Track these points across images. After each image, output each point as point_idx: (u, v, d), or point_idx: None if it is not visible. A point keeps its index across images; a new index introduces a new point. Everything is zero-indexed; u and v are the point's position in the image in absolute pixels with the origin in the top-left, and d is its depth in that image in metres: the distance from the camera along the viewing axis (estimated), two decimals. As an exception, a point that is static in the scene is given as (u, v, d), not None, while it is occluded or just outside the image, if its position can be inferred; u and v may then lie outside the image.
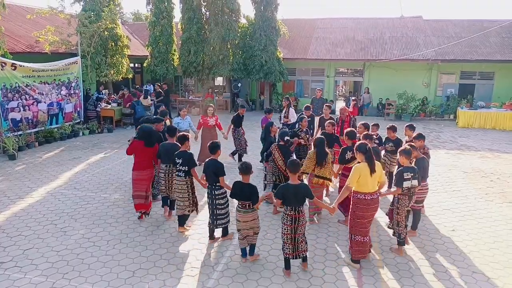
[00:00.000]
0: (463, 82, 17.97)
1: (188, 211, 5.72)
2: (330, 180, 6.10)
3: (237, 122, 9.20)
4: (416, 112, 17.14)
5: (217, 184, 5.19)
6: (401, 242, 5.21)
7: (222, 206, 5.32)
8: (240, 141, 9.25)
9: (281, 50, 18.06)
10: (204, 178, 5.35)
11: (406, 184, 4.95)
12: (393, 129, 7.06)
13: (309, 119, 8.43)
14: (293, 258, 4.65)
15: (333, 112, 14.72)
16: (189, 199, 5.67)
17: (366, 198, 4.67)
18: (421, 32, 19.64)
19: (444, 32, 19.30)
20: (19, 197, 7.17)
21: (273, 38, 16.84)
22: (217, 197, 5.27)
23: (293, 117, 9.66)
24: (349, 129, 6.31)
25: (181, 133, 5.79)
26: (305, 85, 20.13)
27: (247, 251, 5.01)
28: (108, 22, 13.63)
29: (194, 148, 10.38)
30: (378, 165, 4.76)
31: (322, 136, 6.18)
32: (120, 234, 5.75)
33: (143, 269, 4.84)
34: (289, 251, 4.60)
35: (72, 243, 5.45)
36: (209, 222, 5.47)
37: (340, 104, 21.91)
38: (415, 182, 4.98)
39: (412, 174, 4.96)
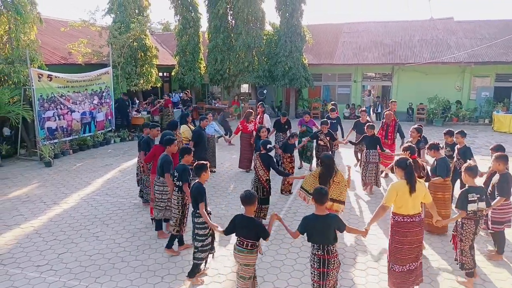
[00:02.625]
0: (498, 85, 17.20)
1: (174, 230, 5.18)
2: (342, 202, 5.31)
3: (279, 128, 9.34)
4: (449, 116, 16.55)
5: (198, 211, 4.43)
6: (469, 274, 4.51)
7: (201, 238, 4.47)
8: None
9: (306, 56, 18.02)
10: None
11: (471, 207, 4.34)
12: (449, 134, 6.80)
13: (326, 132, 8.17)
14: None
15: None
16: (176, 218, 5.15)
17: (405, 220, 4.08)
18: (453, 34, 19.01)
19: (477, 33, 18.59)
20: (54, 202, 7.47)
21: (298, 44, 16.84)
22: (196, 225, 4.49)
23: (267, 122, 9.83)
24: (407, 144, 5.77)
25: (184, 146, 5.57)
26: (332, 91, 19.93)
27: None
28: (137, 33, 14.08)
29: (232, 153, 10.52)
30: (421, 184, 4.16)
31: (330, 154, 5.77)
32: (150, 240, 5.85)
33: (171, 275, 4.89)
34: None
35: (104, 248, 5.61)
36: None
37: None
38: (482, 204, 4.37)
39: (478, 196, 4.36)
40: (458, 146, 6.53)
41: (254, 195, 3.87)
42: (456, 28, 19.53)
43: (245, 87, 21.44)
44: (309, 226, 3.65)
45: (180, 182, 5.02)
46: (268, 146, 6.20)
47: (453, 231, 4.79)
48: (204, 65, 18.53)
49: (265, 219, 6.01)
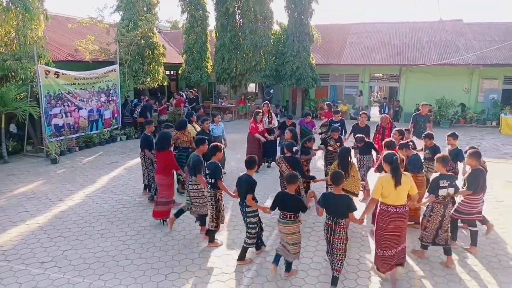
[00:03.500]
0: (507, 88, 17.00)
1: (211, 226, 5.46)
2: (355, 194, 5.73)
3: (284, 129, 8.85)
4: (456, 118, 16.40)
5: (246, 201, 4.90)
6: (423, 246, 5.18)
7: (253, 225, 5.00)
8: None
9: (314, 56, 17.93)
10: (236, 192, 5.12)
11: (442, 192, 4.81)
12: (429, 137, 6.77)
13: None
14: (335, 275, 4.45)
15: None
16: (211, 213, 5.42)
17: (389, 210, 4.43)
18: (461, 35, 18.81)
19: (486, 35, 18.36)
20: (60, 199, 7.48)
21: (306, 44, 16.75)
22: (248, 214, 4.98)
23: (276, 121, 9.74)
24: (388, 139, 6.12)
25: (213, 143, 5.60)
26: (339, 91, 19.83)
27: (279, 261, 4.77)
28: (145, 31, 14.08)
29: (237, 153, 10.47)
30: (407, 177, 4.47)
31: (348, 147, 6.03)
32: (154, 238, 5.84)
33: (175, 273, 4.87)
34: (329, 261, 4.55)
35: (108, 245, 5.60)
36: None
37: (373, 111, 21.47)
38: (451, 190, 4.83)
39: (448, 182, 4.82)
40: (449, 147, 6.60)
41: (296, 175, 4.80)
42: (465, 30, 19.32)
43: (252, 87, 21.40)
44: (327, 201, 4.42)
45: (213, 180, 5.25)
46: (294, 149, 6.12)
47: (423, 215, 5.25)
48: (211, 63, 18.51)
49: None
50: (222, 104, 19.20)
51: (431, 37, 19.11)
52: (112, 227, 6.24)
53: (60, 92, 11.11)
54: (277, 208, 4.67)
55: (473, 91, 17.33)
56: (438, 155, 5.06)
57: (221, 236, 5.92)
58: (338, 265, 4.41)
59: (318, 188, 7.41)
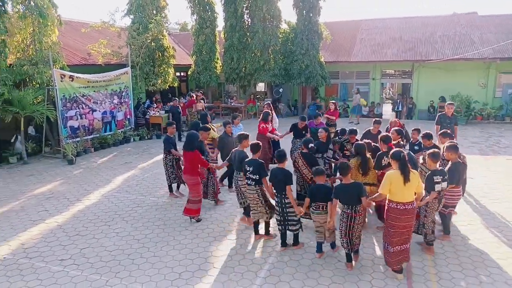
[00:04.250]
0: (526, 81, 16.56)
1: (266, 217, 5.69)
2: (374, 185, 5.86)
3: (296, 133, 8.73)
4: (472, 115, 16.05)
5: (285, 193, 5.20)
6: (430, 243, 5.24)
7: (293, 214, 5.28)
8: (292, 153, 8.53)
9: (323, 53, 17.86)
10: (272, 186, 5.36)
11: (437, 187, 4.92)
12: (427, 136, 6.54)
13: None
14: (349, 252, 4.87)
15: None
16: (263, 205, 5.61)
17: (398, 207, 4.53)
18: (476, 29, 18.42)
19: (503, 28, 17.85)
20: (77, 199, 7.70)
21: (315, 42, 16.71)
22: (287, 205, 5.24)
23: (275, 122, 9.54)
24: (384, 133, 6.19)
25: (254, 142, 5.81)
26: (349, 89, 19.71)
27: (321, 248, 5.26)
28: (155, 33, 14.28)
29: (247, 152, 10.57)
30: (415, 174, 4.59)
31: (362, 142, 6.08)
32: (167, 237, 5.97)
33: (188, 272, 4.98)
34: (345, 244, 4.84)
35: (124, 244, 5.75)
36: (279, 229, 5.44)
37: (386, 108, 21.27)
38: (444, 184, 4.98)
39: (441, 177, 4.95)
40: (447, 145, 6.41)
41: (323, 169, 5.22)
42: (480, 22, 18.90)
43: (261, 86, 21.44)
44: (340, 193, 4.76)
45: (257, 176, 5.46)
46: (310, 145, 6.16)
47: (417, 209, 5.19)
48: (220, 64, 18.64)
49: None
50: (232, 104, 19.31)
51: (445, 31, 18.80)
52: (127, 226, 6.40)
53: (75, 95, 11.39)
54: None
55: (490, 86, 16.92)
56: (429, 151, 5.19)
57: (233, 235, 6.02)
58: (358, 241, 4.87)
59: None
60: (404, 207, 4.51)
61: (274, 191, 5.33)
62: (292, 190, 5.30)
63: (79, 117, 11.59)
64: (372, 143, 6.41)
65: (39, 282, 4.77)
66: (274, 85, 18.39)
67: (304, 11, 16.60)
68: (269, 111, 9.26)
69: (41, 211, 7.06)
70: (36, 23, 10.37)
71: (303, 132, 8.66)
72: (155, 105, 15.54)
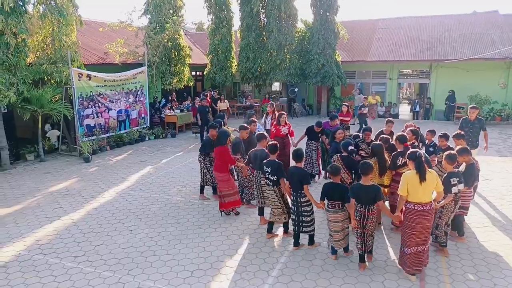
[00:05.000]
0: (548, 82, 16.05)
1: (285, 218, 5.69)
2: (388, 187, 5.86)
3: (311, 135, 8.46)
4: (491, 116, 15.64)
5: (303, 191, 5.21)
6: (443, 244, 5.18)
7: (308, 213, 5.28)
8: (311, 156, 8.39)
9: (340, 53, 17.67)
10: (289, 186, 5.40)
11: (453, 189, 4.88)
12: (444, 136, 6.28)
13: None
14: (362, 253, 4.85)
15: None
16: (281, 206, 5.63)
17: (416, 208, 4.46)
18: (497, 28, 17.92)
19: (525, 26, 17.41)
20: (92, 197, 7.79)
21: (331, 41, 16.54)
22: (303, 204, 5.26)
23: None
24: (400, 133, 6.05)
25: (272, 142, 5.86)
26: (366, 88, 19.43)
27: (336, 251, 5.18)
28: (171, 33, 14.37)
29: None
30: (431, 173, 4.55)
31: (380, 143, 5.93)
32: (180, 235, 5.96)
33: (201, 270, 4.96)
34: (359, 245, 4.82)
35: (137, 241, 5.77)
36: (293, 229, 5.45)
37: (402, 108, 20.90)
38: (461, 186, 4.95)
39: (458, 179, 4.92)
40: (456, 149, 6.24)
41: (338, 167, 5.11)
42: (501, 21, 18.40)
43: (276, 85, 21.38)
44: (357, 193, 4.70)
45: (275, 177, 5.48)
46: (350, 148, 6.02)
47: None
48: (236, 63, 18.65)
49: None
50: (247, 104, 19.28)
51: (464, 31, 18.37)
52: (140, 223, 6.43)
53: (92, 93, 11.55)
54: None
55: (510, 86, 16.46)
56: (445, 152, 5.11)
57: (246, 235, 5.98)
58: (371, 241, 4.83)
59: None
60: (422, 208, 4.44)
61: (292, 190, 5.33)
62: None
63: (95, 116, 11.75)
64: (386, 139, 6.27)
65: (53, 278, 4.82)
66: (290, 84, 18.30)
67: (321, 10, 16.46)
68: (283, 112, 8.87)
69: (57, 208, 7.15)
70: (56, 22, 10.56)
71: (319, 134, 8.44)
72: (170, 104, 15.63)
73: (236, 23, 18.59)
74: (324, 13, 16.45)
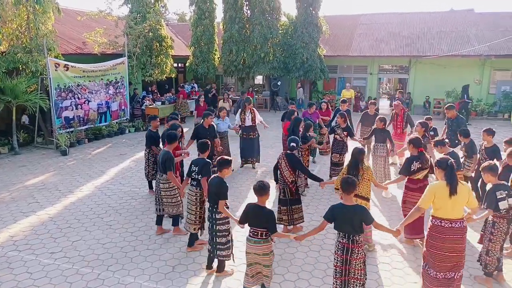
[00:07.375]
0: (520, 79, 16.66)
1: (194, 229, 5.07)
2: (366, 199, 5.01)
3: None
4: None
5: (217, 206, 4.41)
6: (488, 274, 4.40)
7: (222, 234, 4.46)
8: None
9: (322, 47, 17.77)
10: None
11: (502, 205, 4.15)
12: (464, 134, 6.54)
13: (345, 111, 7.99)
14: None
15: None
16: (195, 213, 5.03)
17: (443, 225, 3.77)
18: (473, 26, 18.43)
19: (499, 25, 17.93)
20: (69, 191, 7.59)
21: (315, 35, 16.63)
22: (217, 221, 4.44)
23: (259, 117, 8.99)
24: (413, 136, 5.62)
25: (202, 140, 5.34)
26: (347, 83, 19.62)
27: None
28: (153, 23, 14.07)
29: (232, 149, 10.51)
30: (464, 186, 3.85)
31: (361, 148, 5.42)
32: (161, 230, 5.89)
33: (182, 265, 4.93)
34: (337, 283, 3.71)
35: (117, 236, 5.68)
36: (208, 249, 4.70)
37: (383, 103, 21.25)
38: (511, 200, 4.18)
39: (506, 192, 4.19)
40: (486, 144, 6.37)
41: (266, 185, 3.93)
42: (477, 19, 18.93)
43: (259, 79, 21.32)
44: (336, 215, 3.66)
45: (200, 176, 4.89)
46: (292, 144, 5.61)
47: (481, 231, 4.63)
48: (219, 56, 18.48)
49: (302, 221, 5.73)
50: (230, 96, 19.10)
51: (442, 28, 18.79)
52: (120, 218, 6.32)
53: (70, 84, 11.21)
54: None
55: (484, 82, 17.03)
56: (484, 164, 4.40)
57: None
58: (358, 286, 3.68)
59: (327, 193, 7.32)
60: (450, 225, 3.76)
61: (208, 201, 4.60)
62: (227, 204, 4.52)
63: (74, 108, 11.43)
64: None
65: (28, 275, 4.69)
66: (273, 78, 18.28)
67: (305, 4, 16.50)
68: (294, 109, 8.60)
69: (32, 203, 6.95)
70: (32, 9, 10.15)
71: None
72: (151, 96, 15.35)
73: (219, 15, 18.42)
74: (308, 7, 16.48)
